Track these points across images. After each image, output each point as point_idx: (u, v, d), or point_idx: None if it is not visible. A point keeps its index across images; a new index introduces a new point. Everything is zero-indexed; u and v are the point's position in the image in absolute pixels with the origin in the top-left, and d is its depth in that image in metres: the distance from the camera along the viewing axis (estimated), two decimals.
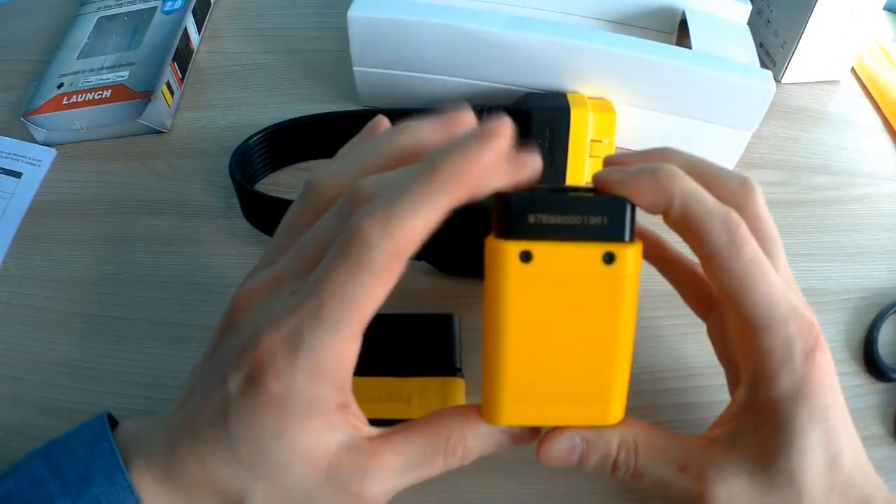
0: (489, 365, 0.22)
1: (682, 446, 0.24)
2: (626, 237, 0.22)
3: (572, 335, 0.22)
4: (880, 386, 0.33)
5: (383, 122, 0.27)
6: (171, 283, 0.36)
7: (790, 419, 0.22)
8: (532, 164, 0.22)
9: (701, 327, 0.29)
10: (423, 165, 0.20)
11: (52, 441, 0.23)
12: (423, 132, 0.23)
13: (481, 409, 0.23)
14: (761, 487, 0.22)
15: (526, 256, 0.21)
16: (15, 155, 0.41)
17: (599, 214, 0.21)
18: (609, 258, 0.21)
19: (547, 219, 0.21)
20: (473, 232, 0.32)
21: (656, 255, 0.29)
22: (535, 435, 0.24)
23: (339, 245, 0.20)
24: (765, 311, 0.22)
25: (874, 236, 0.39)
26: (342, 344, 0.20)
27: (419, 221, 0.20)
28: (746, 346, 0.23)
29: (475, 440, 0.23)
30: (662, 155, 0.25)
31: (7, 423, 0.31)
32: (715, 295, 0.28)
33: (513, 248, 0.21)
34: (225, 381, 0.21)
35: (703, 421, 0.31)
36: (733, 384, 0.27)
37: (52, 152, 0.42)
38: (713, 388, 0.32)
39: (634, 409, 0.31)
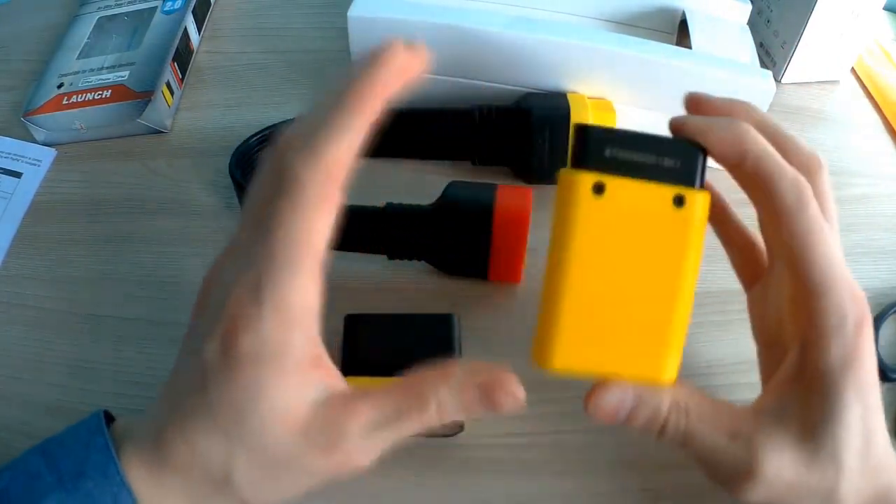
0: (549, 301, 0.22)
1: (733, 414, 0.23)
2: (697, 183, 0.22)
3: (636, 279, 0.22)
4: (880, 386, 0.32)
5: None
6: (171, 283, 0.36)
7: (838, 390, 0.22)
8: (417, 64, 0.22)
9: (705, 327, 0.29)
10: (331, 97, 0.21)
11: (50, 438, 0.23)
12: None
13: (532, 350, 0.23)
14: (804, 460, 0.22)
15: (598, 189, 0.21)
16: (15, 155, 0.41)
17: (674, 157, 0.22)
18: (679, 201, 0.21)
19: (622, 154, 0.21)
20: (473, 232, 0.32)
21: (719, 215, 0.29)
22: (509, 399, 0.22)
23: (272, 187, 0.21)
24: (824, 273, 0.22)
25: (874, 236, 0.39)
26: (300, 281, 0.20)
27: (341, 144, 0.21)
28: (800, 312, 0.23)
29: (448, 393, 0.22)
30: (742, 108, 0.25)
31: (7, 423, 0.31)
32: (763, 266, 0.28)
33: (587, 179, 0.21)
34: (203, 349, 0.21)
35: None
36: (766, 364, 0.27)
37: (52, 152, 0.42)
38: (718, 388, 0.32)
39: None
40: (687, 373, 0.32)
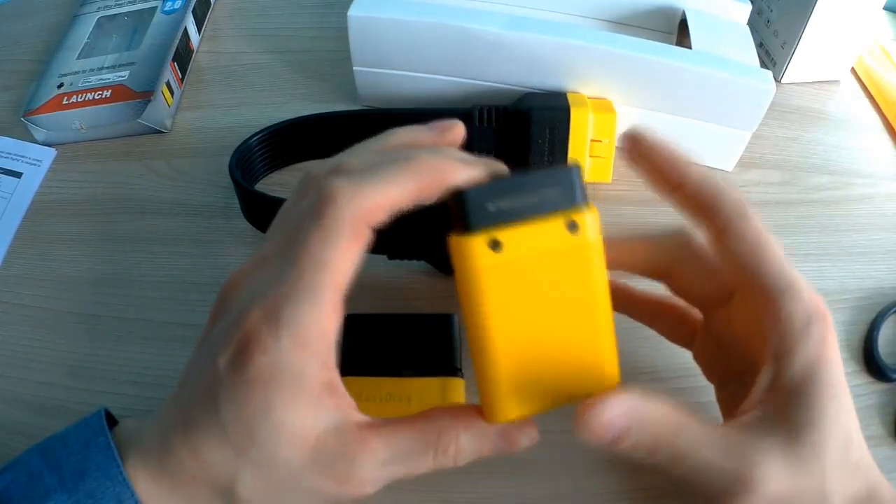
0: (481, 363, 0.22)
1: (722, 431, 0.23)
2: (580, 199, 0.22)
3: (554, 312, 0.22)
4: (880, 386, 0.33)
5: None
6: (171, 283, 0.36)
7: (814, 392, 0.22)
8: (494, 167, 0.23)
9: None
10: (400, 153, 0.22)
11: (51, 437, 0.23)
12: (413, 134, 0.25)
13: (482, 409, 0.23)
14: (793, 467, 0.22)
15: (495, 245, 0.21)
16: (15, 155, 0.42)
17: (553, 185, 0.22)
18: (573, 226, 0.22)
19: (504, 203, 0.21)
20: None
21: (625, 299, 0.29)
22: (526, 437, 0.24)
23: (310, 210, 0.21)
24: (782, 276, 0.23)
25: (874, 236, 0.39)
26: (321, 311, 0.21)
27: (387, 193, 0.21)
28: (764, 325, 0.24)
29: (468, 440, 0.23)
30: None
31: (7, 423, 0.31)
32: (693, 319, 0.28)
33: (479, 241, 0.21)
34: (216, 362, 0.21)
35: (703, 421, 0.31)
36: (725, 400, 0.27)
37: (52, 152, 0.42)
38: (712, 389, 0.32)
39: None
40: (677, 374, 0.32)
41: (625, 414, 0.22)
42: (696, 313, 0.29)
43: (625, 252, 0.28)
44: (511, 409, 0.22)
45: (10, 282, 0.36)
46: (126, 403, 0.31)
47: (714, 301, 0.27)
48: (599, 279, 0.22)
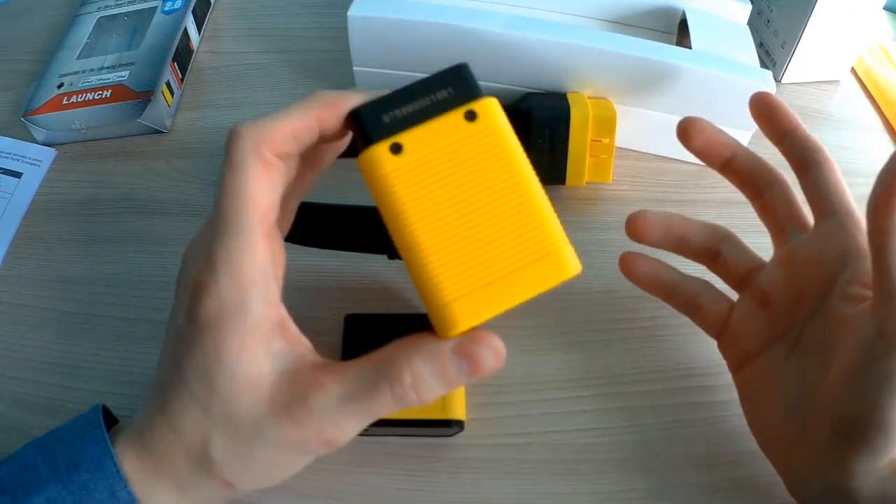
0: (415, 272, 0.21)
1: None
2: (475, 93, 0.22)
3: (480, 203, 0.21)
4: None
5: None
6: (170, 283, 0.35)
7: None
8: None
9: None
10: (305, 98, 0.23)
11: (49, 432, 0.23)
12: None
13: (434, 325, 0.21)
14: None
15: (396, 149, 0.21)
16: (15, 155, 0.41)
17: (444, 87, 0.22)
18: (471, 115, 0.21)
19: (399, 112, 0.21)
20: None
21: (668, 289, 0.30)
22: (488, 352, 0.21)
23: (224, 155, 0.22)
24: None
25: None
26: (247, 241, 0.21)
27: (286, 121, 0.22)
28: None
29: (422, 364, 0.21)
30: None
31: (7, 423, 0.31)
32: (722, 314, 0.29)
33: (380, 149, 0.21)
34: (174, 321, 0.22)
35: (702, 421, 0.31)
36: (766, 365, 0.27)
37: (52, 152, 0.42)
38: (713, 389, 0.32)
39: (635, 408, 0.31)
40: (677, 374, 0.32)
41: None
42: (725, 302, 0.29)
43: (682, 226, 0.30)
44: (461, 313, 0.20)
45: (10, 282, 0.36)
46: (126, 403, 0.31)
47: (754, 269, 0.29)
48: (516, 159, 0.21)
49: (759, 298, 0.28)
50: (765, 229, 0.30)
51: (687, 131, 0.31)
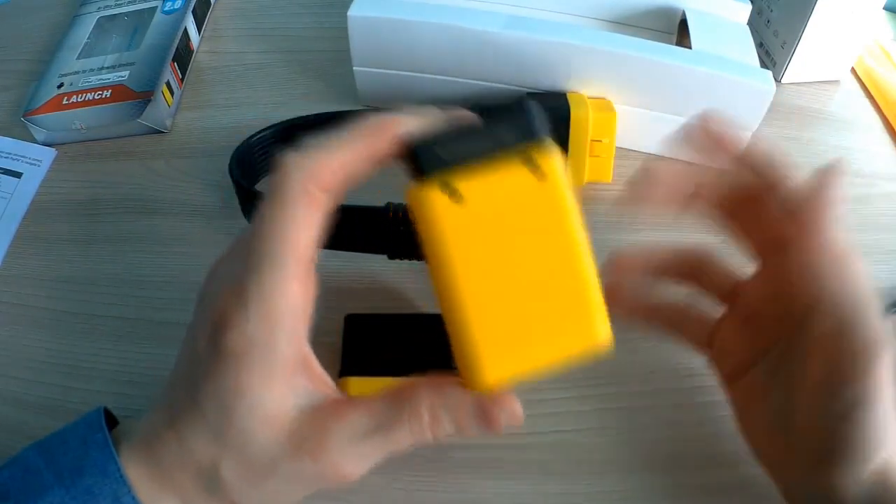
0: (456, 325, 0.20)
1: None
2: (539, 135, 0.21)
3: (528, 260, 0.20)
4: None
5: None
6: (171, 283, 0.36)
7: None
8: (447, 114, 0.23)
9: None
10: (357, 125, 0.22)
11: (50, 434, 0.23)
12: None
13: (462, 377, 0.21)
14: None
15: (453, 193, 0.20)
16: (15, 155, 0.41)
17: (506, 121, 0.21)
18: (534, 166, 0.20)
19: (457, 147, 0.20)
20: None
21: (650, 311, 0.30)
22: (505, 414, 0.22)
23: (271, 189, 0.21)
24: (878, 334, 0.23)
25: (874, 236, 0.39)
26: (283, 280, 0.21)
27: (335, 155, 0.21)
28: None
29: (442, 408, 0.22)
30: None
31: (7, 423, 0.31)
32: (712, 321, 0.29)
33: (436, 189, 0.20)
34: (196, 345, 0.22)
35: (702, 421, 0.31)
36: (751, 384, 0.27)
37: (52, 152, 0.42)
38: (713, 389, 0.32)
39: (635, 408, 0.31)
40: (677, 374, 0.32)
41: None
42: (714, 314, 0.29)
43: (660, 256, 0.29)
44: (491, 369, 0.20)
45: (10, 282, 0.36)
46: (126, 403, 0.31)
47: (741, 284, 0.28)
48: (573, 222, 0.21)
49: (745, 314, 0.28)
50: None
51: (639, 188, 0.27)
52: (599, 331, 0.21)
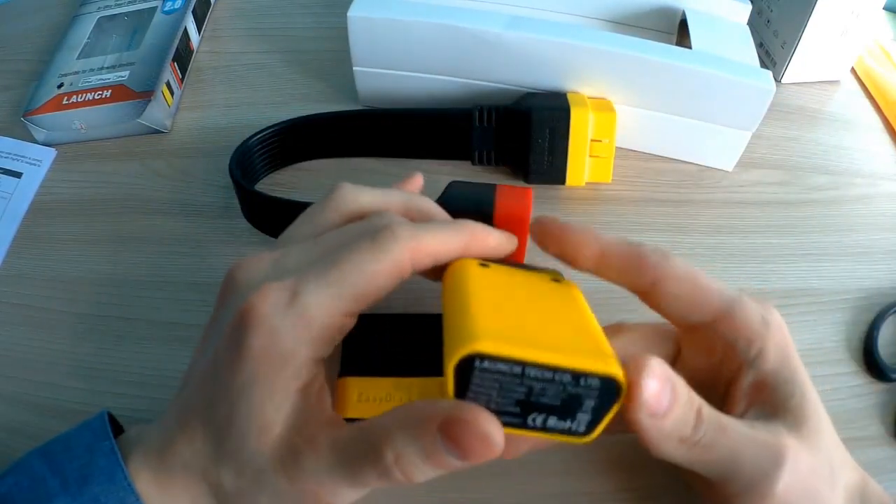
0: (457, 310, 0.21)
1: (741, 420, 0.23)
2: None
3: (541, 311, 0.23)
4: (880, 386, 0.33)
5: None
6: (171, 283, 0.36)
7: (796, 382, 0.24)
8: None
9: None
10: (452, 222, 0.25)
11: (53, 439, 0.23)
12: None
13: (446, 350, 0.19)
14: (807, 447, 0.23)
15: (484, 265, 0.24)
16: (15, 155, 0.41)
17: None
18: (555, 277, 0.25)
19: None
20: None
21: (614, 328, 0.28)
22: (478, 442, 0.18)
23: (369, 233, 0.22)
24: (722, 292, 0.24)
25: (874, 236, 0.39)
26: (338, 306, 0.21)
27: (440, 243, 0.23)
28: (725, 339, 0.24)
29: (405, 442, 0.19)
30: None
31: (7, 423, 0.31)
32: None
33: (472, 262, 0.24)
34: (217, 343, 0.22)
35: None
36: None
37: (52, 152, 0.42)
38: None
39: None
40: None
41: (669, 384, 0.20)
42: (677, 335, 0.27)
43: (609, 246, 0.25)
44: (484, 331, 0.18)
45: (10, 282, 0.36)
46: (126, 403, 0.31)
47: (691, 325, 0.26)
48: (584, 303, 0.24)
49: (706, 347, 0.26)
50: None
51: (543, 238, 0.26)
52: (616, 368, 0.19)
